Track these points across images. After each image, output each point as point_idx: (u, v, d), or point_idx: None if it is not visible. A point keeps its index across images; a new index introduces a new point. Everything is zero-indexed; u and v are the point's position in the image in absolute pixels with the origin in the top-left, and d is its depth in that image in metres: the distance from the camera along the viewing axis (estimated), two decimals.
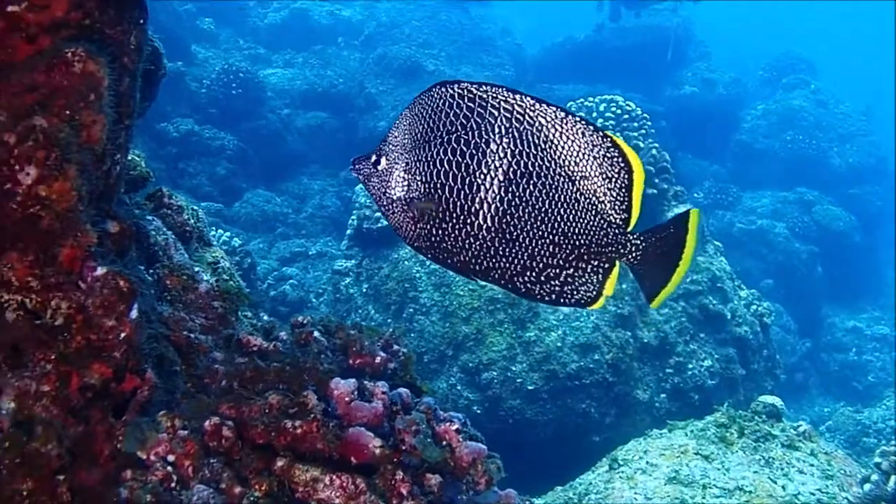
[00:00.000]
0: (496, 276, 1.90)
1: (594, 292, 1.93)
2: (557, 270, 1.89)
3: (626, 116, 8.59)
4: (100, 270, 1.81)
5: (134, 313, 1.84)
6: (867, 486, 4.73)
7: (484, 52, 16.40)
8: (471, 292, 7.87)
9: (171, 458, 1.71)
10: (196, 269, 2.44)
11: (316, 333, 2.00)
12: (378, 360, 2.03)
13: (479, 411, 7.52)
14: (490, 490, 1.87)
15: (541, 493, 6.35)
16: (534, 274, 1.89)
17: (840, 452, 5.34)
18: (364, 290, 8.49)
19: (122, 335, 1.82)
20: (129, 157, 2.83)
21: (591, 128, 1.86)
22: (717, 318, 8.02)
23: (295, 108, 13.03)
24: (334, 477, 1.68)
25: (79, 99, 1.70)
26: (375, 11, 17.18)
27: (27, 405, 1.74)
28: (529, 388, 7.49)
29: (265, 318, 2.57)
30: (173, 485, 1.70)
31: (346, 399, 1.81)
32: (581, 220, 1.87)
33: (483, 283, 1.90)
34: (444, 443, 1.86)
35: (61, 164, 1.68)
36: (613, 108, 8.60)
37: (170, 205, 2.75)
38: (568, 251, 1.88)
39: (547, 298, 1.93)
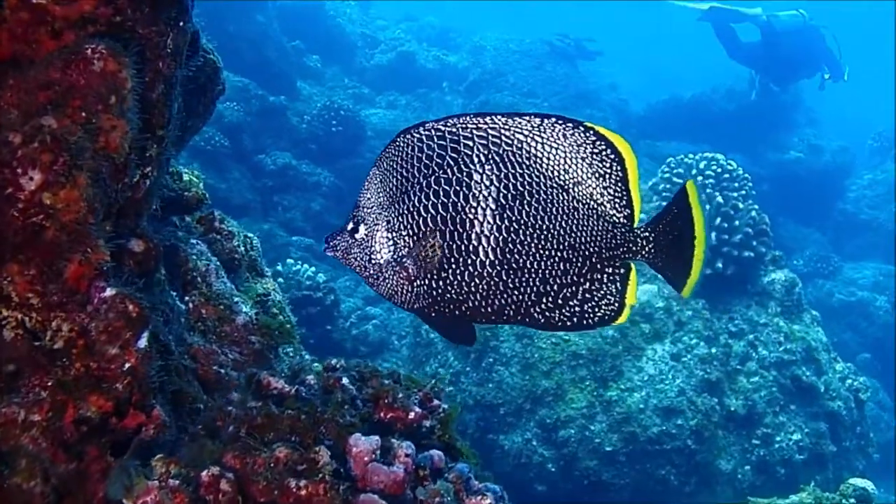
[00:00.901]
0: (510, 313, 1.73)
1: (616, 304, 1.77)
2: (574, 288, 1.74)
3: (727, 176, 8.29)
4: (108, 292, 1.63)
5: (142, 342, 1.66)
6: None
7: (588, 105, 16.18)
8: (553, 346, 7.72)
9: None
10: (235, 299, 2.26)
11: (345, 380, 1.77)
12: (412, 415, 1.79)
13: (553, 469, 7.35)
14: None
15: None
16: (549, 299, 1.73)
17: None
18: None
19: (127, 365, 1.64)
20: (186, 178, 2.69)
21: (571, 125, 1.70)
22: (810, 390, 7.67)
23: None
24: None
25: (97, 100, 1.54)
26: (482, 59, 17.17)
27: (13, 434, 1.57)
28: (607, 449, 7.30)
29: (307, 357, 2.37)
30: None
31: (365, 459, 1.57)
32: (585, 228, 1.73)
33: (498, 324, 1.74)
34: None
35: (70, 170, 1.52)
36: (714, 167, 8.32)
37: (220, 230, 2.58)
38: (579, 265, 1.73)
39: (569, 324, 1.78)
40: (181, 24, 1.75)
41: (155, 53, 1.71)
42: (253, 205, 11.03)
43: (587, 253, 1.73)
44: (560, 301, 1.72)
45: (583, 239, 1.72)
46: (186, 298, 2.22)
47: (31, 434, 1.58)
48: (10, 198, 1.50)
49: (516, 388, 7.57)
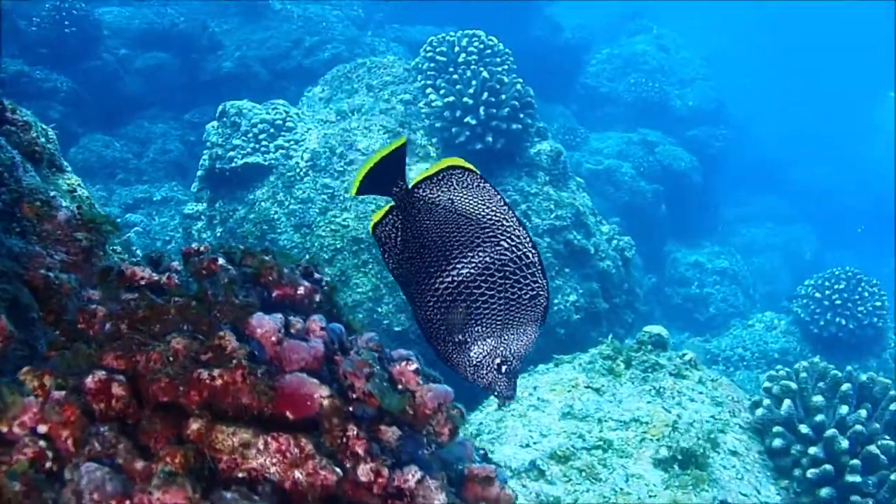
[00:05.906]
0: None
1: None
2: None
3: (489, 51, 8.52)
4: None
5: None
6: (759, 411, 4.69)
7: None
8: (333, 233, 7.69)
9: (42, 428, 1.26)
10: (52, 193, 1.95)
11: (221, 261, 1.58)
12: (301, 290, 1.62)
13: None
14: (455, 442, 1.53)
15: None
16: None
17: (724, 379, 5.31)
18: (218, 234, 8.09)
19: None
20: None
21: None
22: (582, 253, 8.05)
23: (133, 48, 12.18)
24: (269, 439, 1.28)
25: None
26: None
27: None
28: (397, 329, 7.42)
29: (140, 253, 2.12)
30: (49, 464, 1.26)
31: (273, 339, 1.41)
32: None
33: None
34: (401, 386, 1.50)
35: None
36: (476, 43, 8.48)
37: (13, 121, 2.22)
38: None
39: None
40: None
41: None
42: None
43: None
44: None
45: None
46: None
47: None
48: None
49: None
